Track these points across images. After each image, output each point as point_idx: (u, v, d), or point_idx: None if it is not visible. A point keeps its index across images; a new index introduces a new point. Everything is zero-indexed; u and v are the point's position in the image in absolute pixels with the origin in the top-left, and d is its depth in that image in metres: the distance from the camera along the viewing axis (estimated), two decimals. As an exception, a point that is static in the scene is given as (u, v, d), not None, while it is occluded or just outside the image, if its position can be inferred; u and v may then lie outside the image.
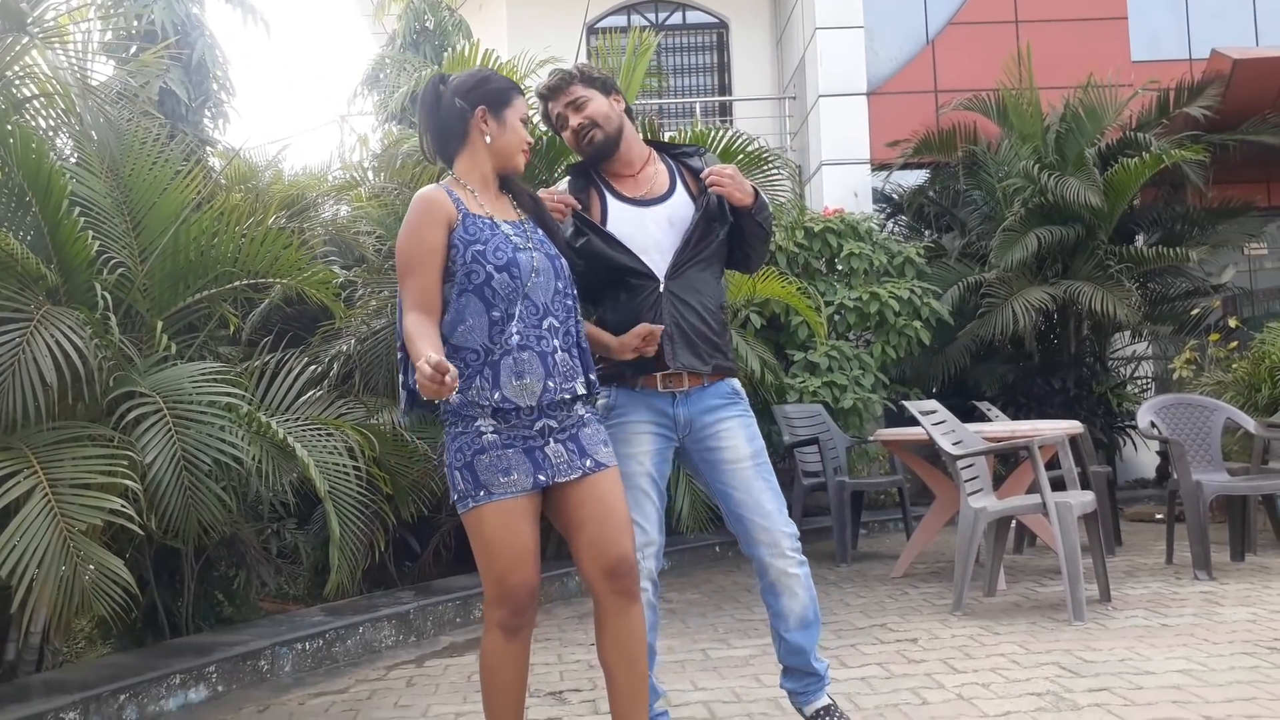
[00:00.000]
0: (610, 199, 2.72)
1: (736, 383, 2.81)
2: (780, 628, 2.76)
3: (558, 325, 2.36)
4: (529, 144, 2.48)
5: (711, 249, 2.72)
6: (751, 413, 2.80)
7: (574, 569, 5.42)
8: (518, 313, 2.29)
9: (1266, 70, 8.55)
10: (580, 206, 2.66)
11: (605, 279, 2.65)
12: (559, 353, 2.34)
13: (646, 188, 2.74)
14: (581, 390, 2.37)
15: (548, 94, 2.73)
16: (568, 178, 2.80)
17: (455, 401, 2.28)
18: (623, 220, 2.68)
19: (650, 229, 2.68)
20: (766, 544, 2.69)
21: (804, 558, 2.73)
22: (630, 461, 2.63)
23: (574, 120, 2.69)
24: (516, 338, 2.28)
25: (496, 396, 2.27)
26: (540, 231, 2.45)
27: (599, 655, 2.41)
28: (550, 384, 2.31)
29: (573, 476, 2.33)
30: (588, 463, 2.36)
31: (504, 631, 2.30)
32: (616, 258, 2.63)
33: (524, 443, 2.30)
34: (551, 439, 2.33)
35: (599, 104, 2.69)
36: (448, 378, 2.01)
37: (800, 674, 2.80)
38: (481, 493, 2.26)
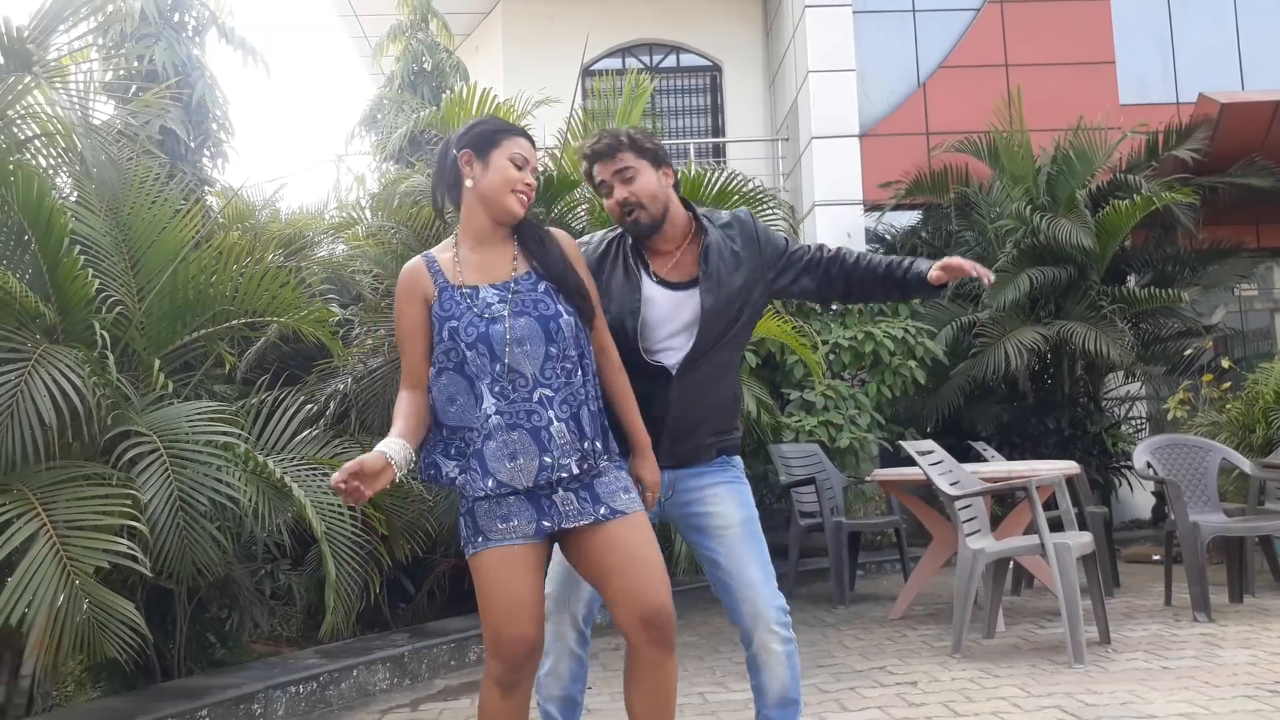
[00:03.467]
0: (644, 279, 2.55)
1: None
2: (760, 704, 2.61)
3: (552, 395, 2.21)
4: (526, 185, 2.30)
5: (733, 334, 2.57)
6: (745, 480, 2.66)
7: (570, 610, 5.37)
8: (495, 390, 2.18)
9: (1253, 114, 8.67)
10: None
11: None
12: (555, 424, 2.20)
13: (684, 271, 2.56)
14: (575, 470, 2.21)
15: (594, 157, 2.56)
16: (604, 233, 2.67)
17: (460, 482, 2.23)
18: (658, 304, 2.52)
19: (685, 315, 2.52)
20: (750, 615, 2.53)
21: (791, 634, 2.55)
22: None
23: (620, 193, 2.51)
24: (496, 418, 2.18)
25: (490, 484, 2.19)
26: (541, 286, 2.28)
27: (627, 702, 2.33)
28: (546, 460, 2.19)
29: (584, 522, 2.23)
30: (601, 510, 2.24)
31: (500, 687, 2.20)
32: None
33: (527, 491, 2.22)
34: (560, 488, 2.23)
35: (647, 181, 2.52)
36: (344, 486, 2.03)
37: None
38: (480, 539, 2.21)
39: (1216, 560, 6.18)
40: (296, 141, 35.66)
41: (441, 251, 2.34)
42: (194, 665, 4.24)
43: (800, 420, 7.17)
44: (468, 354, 2.19)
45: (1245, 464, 5.51)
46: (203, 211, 4.76)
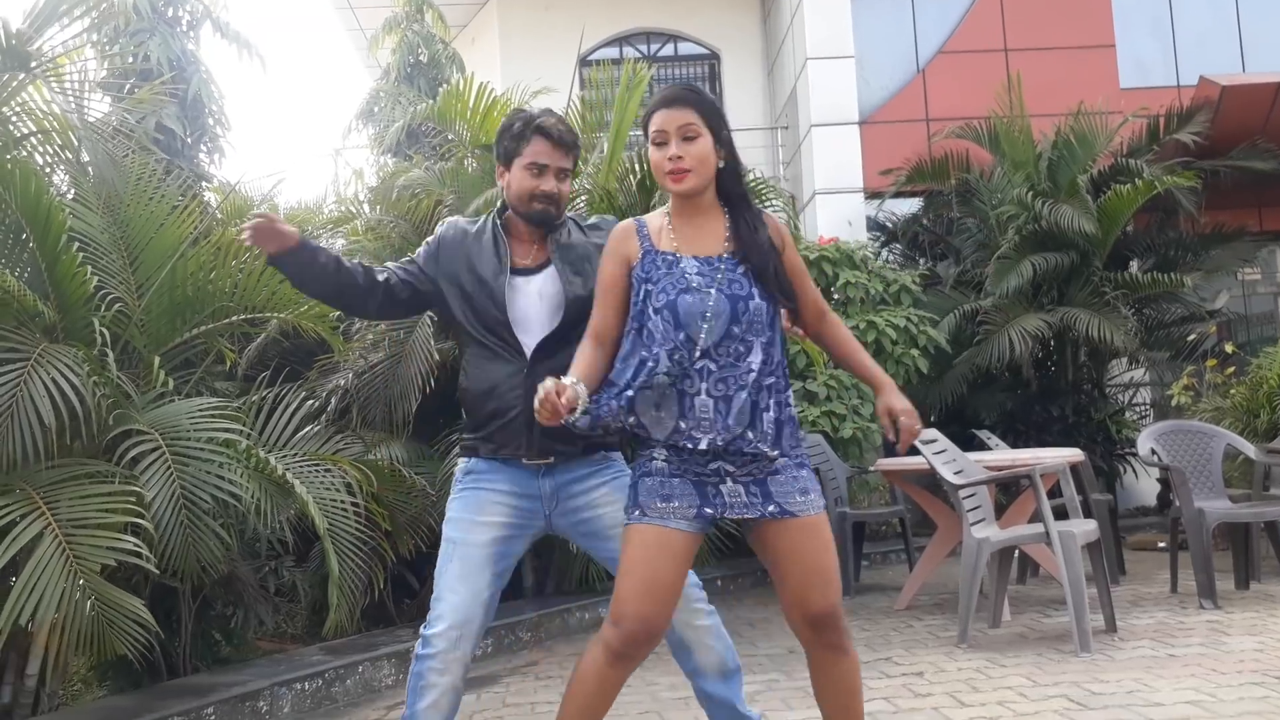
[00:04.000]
0: (510, 262, 2.63)
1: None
2: (702, 683, 2.60)
3: (712, 369, 2.22)
4: (672, 159, 2.30)
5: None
6: (626, 469, 2.59)
7: (574, 606, 5.38)
8: (673, 356, 2.21)
9: (1254, 96, 8.63)
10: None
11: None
12: (702, 396, 2.21)
13: (539, 258, 2.63)
14: (704, 446, 2.20)
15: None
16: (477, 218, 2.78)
17: (631, 423, 2.26)
18: (520, 289, 2.62)
19: (549, 301, 2.59)
20: None
21: (711, 606, 2.59)
22: (476, 529, 2.49)
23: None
24: (664, 377, 2.21)
25: (630, 421, 2.24)
26: (741, 268, 2.28)
27: (816, 700, 2.38)
28: (681, 425, 2.21)
29: (750, 516, 2.24)
30: (771, 508, 2.23)
31: (609, 652, 2.22)
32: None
33: (696, 476, 2.24)
34: (730, 479, 2.24)
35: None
36: (550, 403, 2.10)
37: None
38: (636, 512, 2.25)
39: (1222, 547, 6.16)
40: (294, 136, 35.60)
41: (653, 217, 2.38)
42: (199, 663, 4.24)
43: (803, 411, 7.15)
44: (654, 318, 2.23)
45: (1250, 449, 5.49)
46: (200, 207, 4.74)
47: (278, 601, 5.03)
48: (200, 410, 3.69)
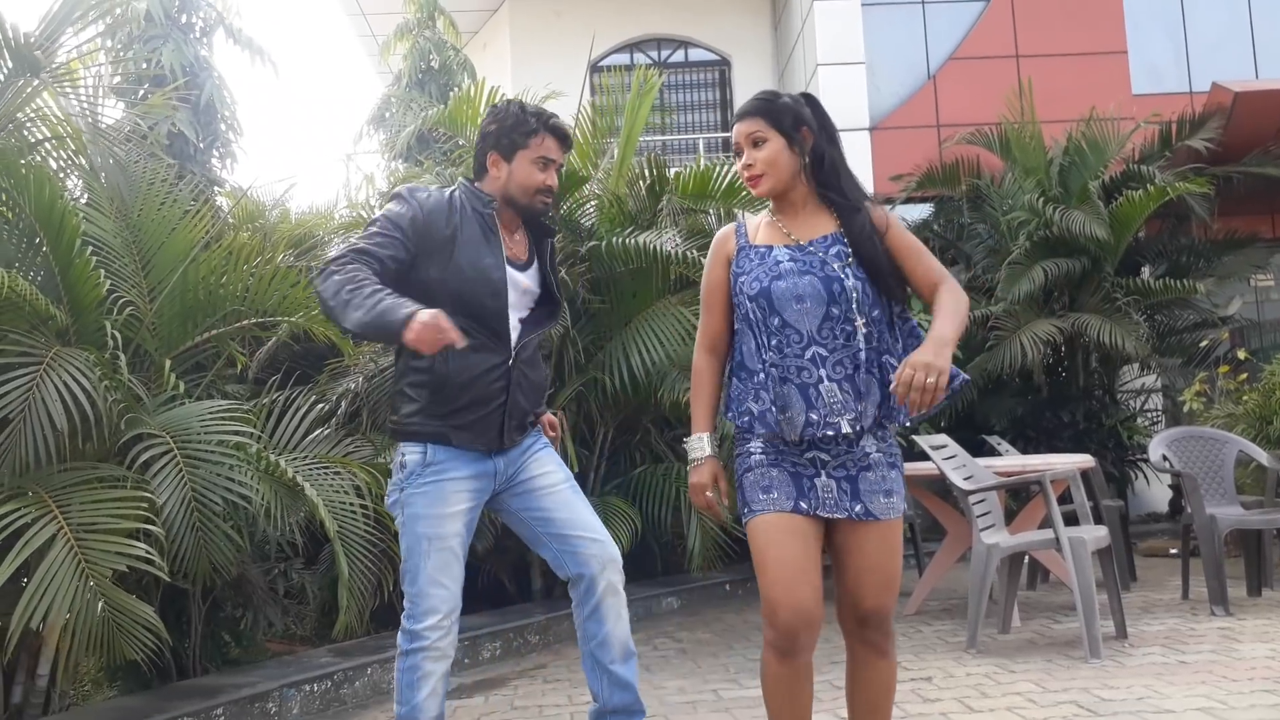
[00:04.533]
0: (503, 253, 2.70)
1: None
2: (605, 658, 2.63)
3: (826, 354, 2.23)
4: (745, 167, 2.39)
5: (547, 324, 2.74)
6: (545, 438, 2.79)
7: (583, 607, 5.37)
8: (771, 344, 2.26)
9: (1267, 103, 8.59)
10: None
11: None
12: (825, 383, 2.23)
13: (520, 252, 2.73)
14: (846, 429, 2.22)
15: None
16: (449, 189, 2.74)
17: (752, 418, 2.30)
18: (512, 281, 2.70)
19: (528, 295, 2.70)
20: (598, 558, 2.61)
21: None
22: (446, 522, 2.53)
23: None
24: (772, 369, 2.25)
25: (761, 427, 2.28)
26: (835, 249, 2.30)
27: (846, 697, 2.42)
28: (814, 416, 2.23)
29: (838, 516, 2.26)
30: (857, 508, 2.26)
31: (774, 652, 2.25)
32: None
33: (793, 466, 2.28)
34: (824, 472, 2.27)
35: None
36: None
37: (627, 714, 2.67)
38: (747, 509, 2.31)
39: (1234, 553, 6.13)
40: (305, 141, 35.77)
41: (755, 217, 2.45)
42: (209, 664, 4.26)
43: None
44: (749, 305, 2.29)
45: (1263, 456, 5.46)
46: (212, 212, 4.77)
47: (287, 603, 5.05)
48: (211, 413, 3.71)
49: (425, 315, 2.20)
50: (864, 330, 2.25)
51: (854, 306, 2.25)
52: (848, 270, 2.27)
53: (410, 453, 2.57)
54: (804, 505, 2.26)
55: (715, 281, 2.42)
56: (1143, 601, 5.43)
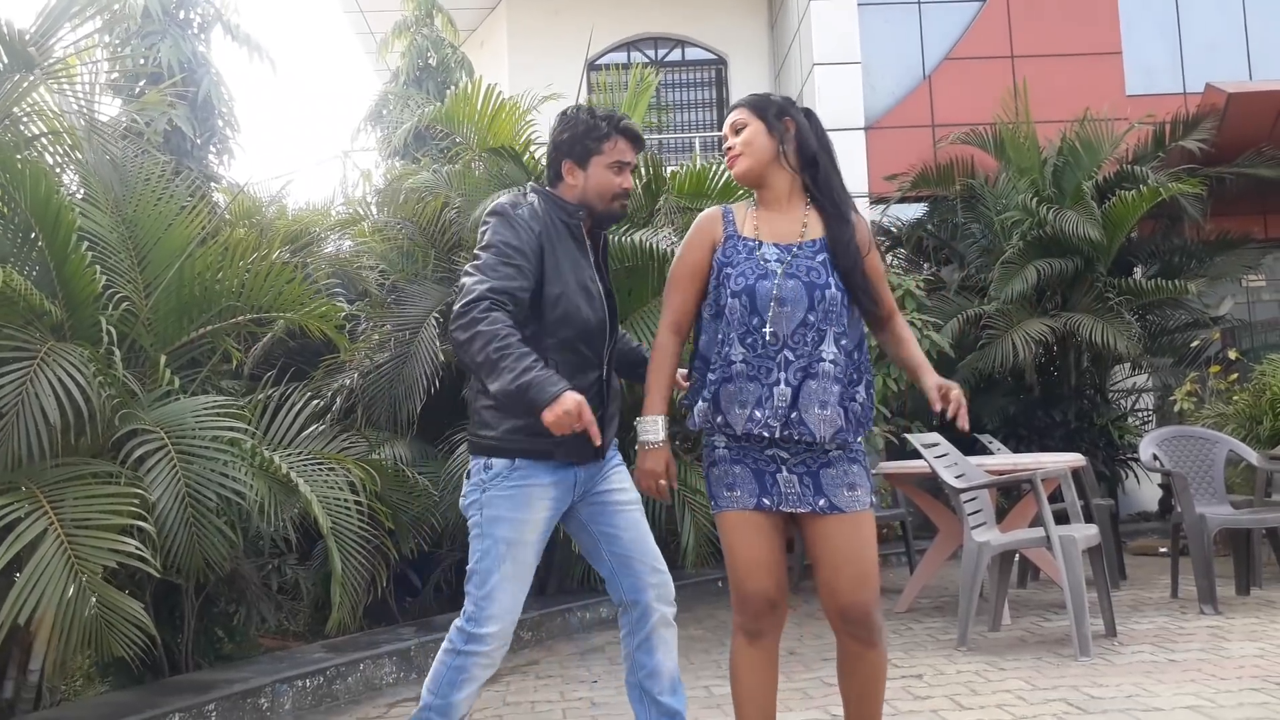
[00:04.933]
0: (592, 265, 2.71)
1: None
2: (654, 689, 2.58)
3: (792, 359, 2.28)
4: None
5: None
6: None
7: (576, 605, 5.40)
8: (746, 342, 2.30)
9: (1261, 104, 8.62)
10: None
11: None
12: (780, 386, 2.27)
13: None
14: (779, 435, 2.27)
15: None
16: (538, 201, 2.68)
17: (698, 413, 2.37)
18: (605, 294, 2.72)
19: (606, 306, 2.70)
20: (656, 587, 2.58)
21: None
22: (527, 529, 2.48)
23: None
24: (741, 366, 2.30)
25: (719, 420, 2.33)
26: (821, 256, 2.34)
27: (840, 689, 2.48)
28: (757, 414, 2.28)
29: (801, 510, 2.33)
30: (820, 502, 2.31)
31: (744, 635, 2.38)
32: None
33: (754, 463, 2.35)
34: (784, 468, 2.33)
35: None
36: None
37: None
38: (714, 503, 2.41)
39: (1223, 553, 6.16)
40: (303, 138, 35.72)
41: (739, 206, 2.48)
42: (201, 660, 4.27)
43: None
44: (730, 301, 2.31)
45: (1252, 456, 5.49)
46: (209, 208, 4.78)
47: (280, 599, 5.06)
48: (206, 409, 3.72)
49: (569, 402, 2.21)
50: (833, 340, 2.30)
51: (830, 315, 2.31)
52: (831, 280, 2.32)
53: (498, 461, 2.51)
54: (766, 502, 2.34)
55: (695, 264, 2.43)
56: (1132, 600, 5.46)
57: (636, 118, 6.16)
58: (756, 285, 2.30)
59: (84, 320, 3.70)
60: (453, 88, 7.58)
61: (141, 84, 5.91)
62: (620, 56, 12.19)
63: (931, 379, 2.44)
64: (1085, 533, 4.42)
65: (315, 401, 4.95)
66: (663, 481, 2.41)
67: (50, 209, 3.48)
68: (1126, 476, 8.40)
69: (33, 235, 3.64)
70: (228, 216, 5.90)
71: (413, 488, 4.75)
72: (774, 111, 2.42)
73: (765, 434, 2.28)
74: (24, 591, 2.95)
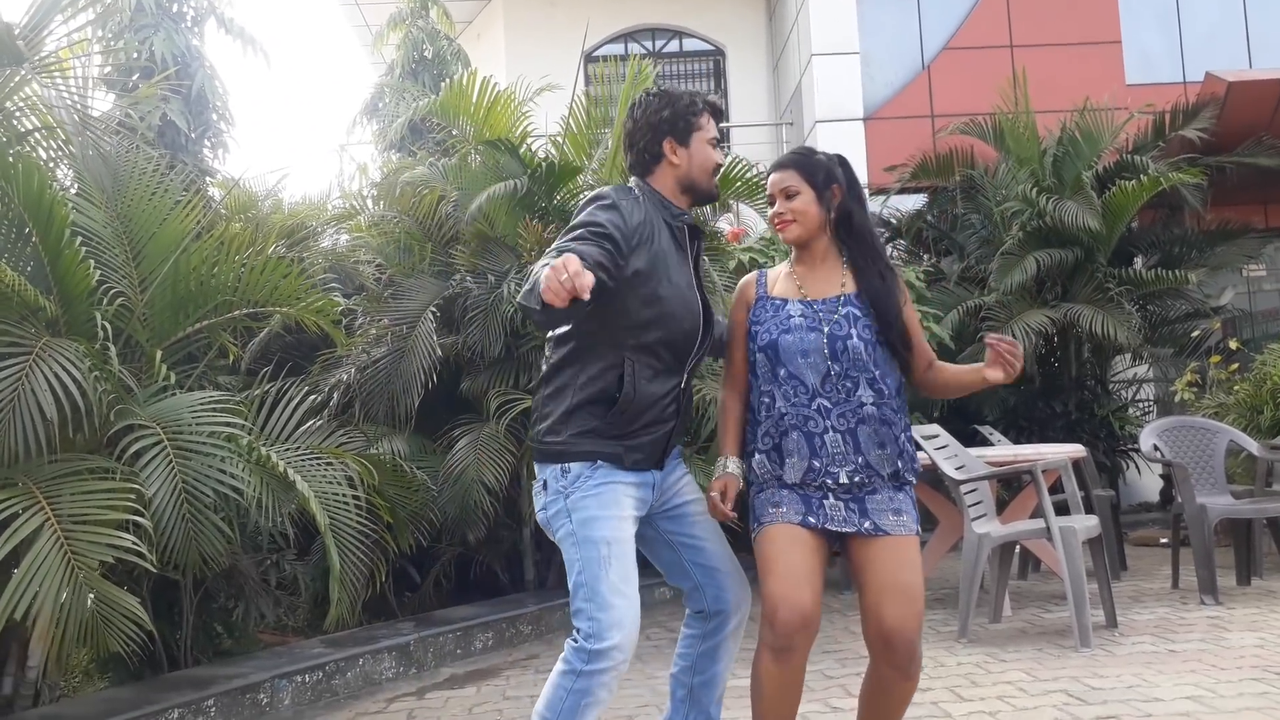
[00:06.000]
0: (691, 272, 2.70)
1: None
2: (706, 698, 2.52)
3: (829, 406, 2.37)
4: (777, 215, 2.52)
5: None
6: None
7: (575, 598, 5.38)
8: (782, 392, 2.40)
9: (1261, 92, 8.59)
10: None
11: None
12: (830, 433, 2.36)
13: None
14: (844, 479, 2.35)
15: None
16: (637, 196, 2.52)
17: (757, 463, 2.45)
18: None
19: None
20: (740, 600, 2.51)
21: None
22: (624, 525, 2.36)
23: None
24: (783, 417, 2.40)
25: (778, 472, 2.41)
26: (846, 309, 2.42)
27: (860, 697, 2.48)
28: (815, 464, 2.36)
29: (846, 530, 2.36)
30: (866, 524, 2.35)
31: (771, 652, 2.31)
32: None
33: (802, 490, 2.39)
34: (831, 495, 2.38)
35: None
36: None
37: None
38: (755, 524, 2.44)
39: (1224, 543, 6.16)
40: (298, 131, 35.64)
41: (776, 269, 2.60)
42: (200, 655, 4.26)
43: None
44: (758, 356, 2.46)
45: (1253, 445, 5.48)
46: (204, 202, 4.75)
47: (279, 595, 5.05)
48: (202, 404, 3.70)
49: (556, 262, 1.97)
50: (868, 386, 2.38)
51: (857, 364, 2.38)
52: (853, 331, 2.40)
53: (575, 465, 2.38)
54: (812, 520, 2.37)
55: (736, 324, 2.56)
56: (1133, 591, 5.46)
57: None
58: (779, 339, 2.42)
59: (79, 315, 3.68)
60: (448, 81, 7.54)
61: (135, 78, 5.87)
62: (617, 48, 12.15)
63: (979, 368, 2.46)
64: (1086, 524, 4.41)
65: (312, 397, 4.93)
66: (714, 494, 2.44)
67: (44, 204, 3.45)
68: (1127, 467, 8.39)
69: (26, 231, 3.62)
70: (223, 211, 5.87)
71: (411, 483, 4.74)
72: (822, 178, 2.49)
73: (829, 481, 2.35)
74: (20, 587, 2.94)
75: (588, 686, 2.27)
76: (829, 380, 2.38)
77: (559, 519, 2.37)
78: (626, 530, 2.36)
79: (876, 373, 2.40)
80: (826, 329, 2.40)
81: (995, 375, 2.39)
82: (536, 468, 2.46)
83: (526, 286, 2.15)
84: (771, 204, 2.54)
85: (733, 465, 2.49)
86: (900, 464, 2.39)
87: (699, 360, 2.54)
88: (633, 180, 2.53)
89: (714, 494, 2.44)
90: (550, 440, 2.39)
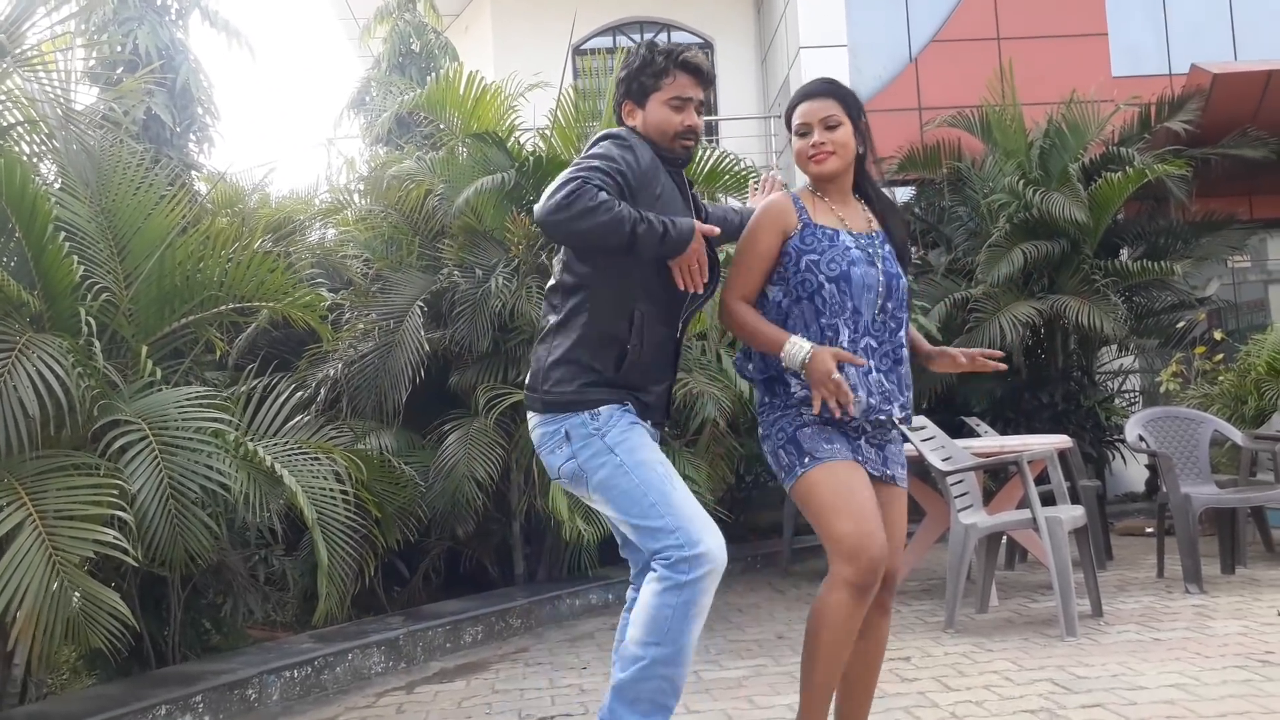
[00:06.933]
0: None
1: None
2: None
3: (875, 346, 2.39)
4: (815, 146, 2.44)
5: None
6: None
7: (565, 592, 5.40)
8: (846, 325, 2.36)
9: (1246, 84, 8.63)
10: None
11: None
12: (873, 374, 2.38)
13: None
14: (898, 415, 2.41)
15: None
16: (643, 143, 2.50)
17: (799, 395, 2.35)
18: None
19: None
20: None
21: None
22: (661, 455, 2.38)
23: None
24: (855, 344, 2.37)
25: (821, 413, 2.33)
26: (888, 247, 2.45)
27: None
28: (872, 401, 2.37)
29: (875, 473, 2.41)
30: (888, 470, 2.44)
31: (853, 591, 2.25)
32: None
33: (841, 430, 2.38)
34: (864, 439, 2.42)
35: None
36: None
37: None
38: (807, 459, 2.34)
39: (1209, 532, 6.20)
40: (285, 125, 35.47)
41: (804, 194, 2.49)
42: (189, 651, 4.25)
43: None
44: (827, 286, 2.35)
45: (1237, 435, 5.52)
46: (189, 196, 4.73)
47: (268, 590, 5.04)
48: (188, 400, 3.69)
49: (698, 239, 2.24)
50: (903, 327, 2.43)
51: (903, 304, 2.42)
52: (899, 269, 2.43)
53: (606, 409, 2.37)
54: (859, 459, 2.39)
55: (766, 249, 2.41)
56: (1118, 580, 5.49)
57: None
58: (850, 271, 2.35)
59: (63, 311, 3.66)
60: (435, 74, 7.51)
61: (119, 71, 5.84)
62: (606, 41, 12.13)
63: (947, 353, 2.57)
64: (1071, 514, 4.44)
65: (300, 392, 4.92)
66: (837, 376, 2.24)
67: (26, 199, 3.43)
68: (1113, 457, 8.44)
69: (9, 226, 3.59)
70: (209, 205, 5.85)
71: (399, 477, 4.74)
72: (857, 110, 2.47)
73: (881, 417, 2.37)
74: (0, 583, 2.93)
75: (693, 596, 2.26)
76: (879, 318, 2.39)
77: (597, 459, 2.33)
78: (669, 463, 2.38)
79: (906, 316, 2.44)
80: (879, 265, 2.38)
81: (959, 360, 2.49)
82: (541, 421, 2.41)
83: (606, 209, 2.17)
84: (800, 135, 2.44)
85: (805, 341, 2.31)
86: (909, 411, 2.46)
87: (689, 318, 2.54)
88: (622, 128, 2.50)
89: (834, 375, 2.23)
90: (562, 390, 2.37)
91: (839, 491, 2.29)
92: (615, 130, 2.44)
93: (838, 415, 2.28)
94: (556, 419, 2.38)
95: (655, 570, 2.30)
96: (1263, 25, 10.53)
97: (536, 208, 2.26)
